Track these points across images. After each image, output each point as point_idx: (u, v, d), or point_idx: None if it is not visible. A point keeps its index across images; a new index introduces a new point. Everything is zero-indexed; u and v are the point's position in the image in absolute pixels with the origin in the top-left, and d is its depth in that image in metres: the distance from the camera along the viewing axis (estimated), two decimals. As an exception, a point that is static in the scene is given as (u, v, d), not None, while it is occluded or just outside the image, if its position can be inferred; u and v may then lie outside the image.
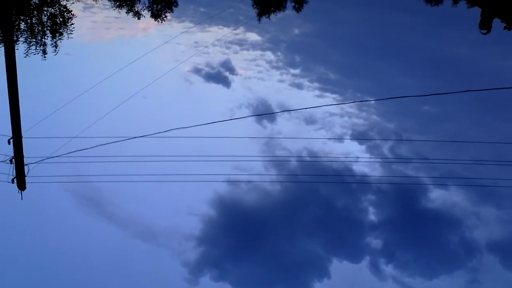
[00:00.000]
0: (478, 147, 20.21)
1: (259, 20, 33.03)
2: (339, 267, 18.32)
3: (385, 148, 21.98)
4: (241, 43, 30.86)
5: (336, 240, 18.93)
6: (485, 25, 27.36)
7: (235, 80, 27.23)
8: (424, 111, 23.80)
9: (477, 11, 30.01)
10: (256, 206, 19.42)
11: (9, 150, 15.22)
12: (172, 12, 33.92)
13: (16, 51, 16.16)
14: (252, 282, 17.57)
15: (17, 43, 25.48)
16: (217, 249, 18.40)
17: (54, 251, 17.57)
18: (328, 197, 19.90)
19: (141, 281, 17.10)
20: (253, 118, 22.93)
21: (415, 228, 18.85)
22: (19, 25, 27.64)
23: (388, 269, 17.94)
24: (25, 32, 27.23)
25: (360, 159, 21.29)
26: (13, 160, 15.19)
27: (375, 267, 18.04)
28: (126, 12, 32.68)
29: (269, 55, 29.61)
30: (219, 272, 17.74)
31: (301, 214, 19.42)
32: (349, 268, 18.35)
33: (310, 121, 23.47)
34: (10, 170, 15.22)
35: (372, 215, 19.49)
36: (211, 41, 30.53)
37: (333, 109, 24.20)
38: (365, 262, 18.27)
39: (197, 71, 27.43)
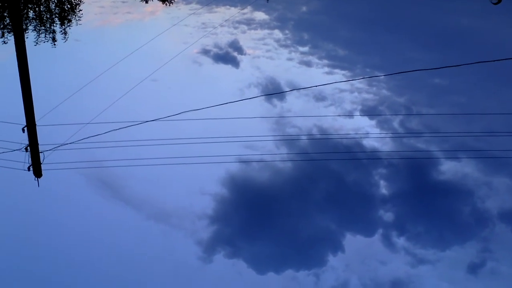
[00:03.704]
0: (489, 118, 20.17)
1: (267, -1, 32.91)
2: (352, 241, 18.54)
3: (396, 122, 22.03)
4: (249, 23, 30.85)
5: (348, 215, 19.10)
6: (496, -5, 27.04)
7: (243, 60, 27.32)
8: (434, 84, 23.75)
9: (486, -20, 29.63)
10: (268, 184, 19.61)
11: (24, 139, 15.42)
12: (179, -6, 33.85)
13: (26, 40, 16.27)
14: (266, 258, 17.81)
15: (27, 31, 25.67)
16: (230, 227, 18.65)
17: (72, 234, 17.92)
18: (339, 172, 20.05)
19: (156, 261, 17.42)
20: (263, 97, 23.05)
21: (426, 200, 18.96)
22: (27, 13, 27.79)
23: (400, 241, 18.13)
24: (34, 21, 27.40)
25: (370, 134, 21.38)
26: (28, 148, 15.39)
27: (387, 240, 18.23)
28: (133, -4, 32.71)
29: (277, 33, 29.60)
30: (232, 250, 18.01)
31: (313, 191, 19.59)
32: (362, 242, 18.56)
33: (320, 98, 23.55)
34: (26, 158, 15.43)
35: (383, 189, 19.63)
36: (219, 21, 30.54)
37: (343, 85, 24.22)
38: (378, 235, 18.46)
39: (205, 52, 27.53)
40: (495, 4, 26.45)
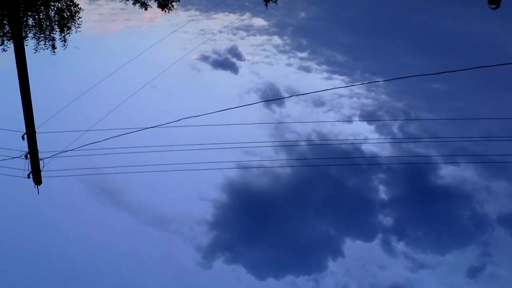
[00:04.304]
0: (488, 123, 20.21)
1: (266, 5, 33.00)
2: (352, 246, 18.55)
3: (395, 127, 22.08)
4: (248, 29, 30.95)
5: (348, 220, 19.12)
6: (494, 0, 27.04)
7: (242, 66, 27.42)
8: (433, 89, 23.80)
9: (484, -15, 29.69)
10: (267, 189, 19.63)
11: (24, 146, 15.45)
12: (179, 0, 33.95)
13: (25, 47, 16.33)
14: (265, 264, 17.81)
15: (26, 39, 25.74)
16: (229, 233, 18.65)
17: (72, 240, 17.95)
18: (338, 178, 20.08)
19: (156, 266, 17.43)
20: (262, 103, 23.10)
21: (426, 204, 18.98)
22: (27, 21, 27.89)
23: (400, 246, 18.14)
24: (33, 28, 27.48)
25: (369, 139, 21.42)
26: (28, 155, 15.42)
27: (387, 245, 18.25)
28: (132, 4, 32.80)
29: (276, 39, 29.69)
30: (232, 255, 18.01)
31: (312, 196, 19.61)
32: (362, 247, 18.57)
33: (319, 103, 23.61)
34: (25, 165, 15.44)
35: (382, 194, 19.65)
36: (217, 28, 30.64)
37: (342, 90, 24.28)
38: (377, 240, 18.48)
39: (204, 58, 27.63)
40: (493, 9, 26.48)
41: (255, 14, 32.27)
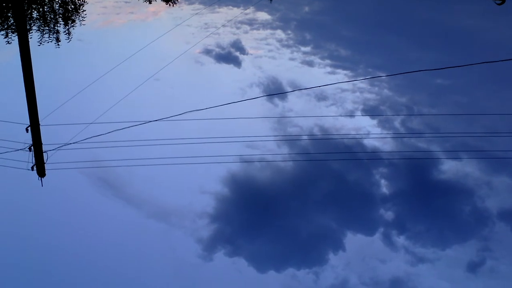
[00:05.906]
0: (491, 118, 20.22)
1: (271, -1, 33.02)
2: (353, 240, 18.62)
3: (397, 122, 22.12)
4: (251, 23, 30.97)
5: (349, 214, 19.19)
6: (500, -5, 26.97)
7: (245, 60, 27.44)
8: (436, 84, 23.80)
9: (489, -20, 29.61)
10: (269, 182, 19.71)
11: (28, 138, 15.55)
12: (182, -6, 33.96)
13: (29, 40, 16.41)
14: (266, 257, 17.91)
15: (30, 31, 25.85)
16: (231, 226, 18.73)
17: (74, 233, 18.07)
18: (340, 172, 20.14)
19: (157, 259, 17.54)
20: (264, 97, 23.16)
21: (427, 199, 19.03)
22: (31, 13, 27.99)
23: (401, 240, 18.20)
24: (37, 21, 27.59)
25: (371, 133, 21.48)
26: (32, 147, 15.51)
27: (387, 239, 18.31)
28: (136, -3, 32.87)
29: (280, 33, 29.71)
30: (233, 248, 18.10)
31: (314, 190, 19.67)
32: (363, 241, 18.63)
33: (321, 97, 23.65)
34: (29, 157, 15.54)
35: (384, 188, 19.71)
36: (221, 22, 30.67)
37: (345, 85, 24.31)
38: (379, 234, 18.54)
39: (207, 52, 27.66)
40: (499, 4, 26.40)
41: (259, 8, 32.32)
